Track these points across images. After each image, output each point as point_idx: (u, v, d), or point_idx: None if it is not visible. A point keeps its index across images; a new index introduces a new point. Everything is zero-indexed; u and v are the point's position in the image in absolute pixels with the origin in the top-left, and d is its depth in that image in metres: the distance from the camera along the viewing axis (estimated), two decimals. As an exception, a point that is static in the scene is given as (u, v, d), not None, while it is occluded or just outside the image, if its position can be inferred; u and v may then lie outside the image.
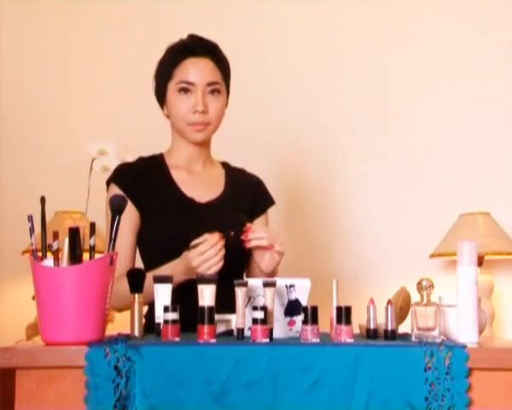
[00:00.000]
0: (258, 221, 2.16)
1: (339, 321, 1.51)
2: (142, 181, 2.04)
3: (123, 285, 1.75)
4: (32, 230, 1.53)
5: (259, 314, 1.49)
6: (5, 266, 3.32)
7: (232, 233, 1.83)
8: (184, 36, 2.09)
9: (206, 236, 1.80)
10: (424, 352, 1.41)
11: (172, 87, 2.03)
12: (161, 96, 2.08)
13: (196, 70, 2.02)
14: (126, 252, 1.99)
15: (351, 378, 1.41)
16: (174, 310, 1.54)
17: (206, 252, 1.78)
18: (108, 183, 2.03)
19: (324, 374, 1.41)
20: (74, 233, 1.51)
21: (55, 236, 1.51)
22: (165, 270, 1.86)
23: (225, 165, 2.19)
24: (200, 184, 2.08)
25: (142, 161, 2.07)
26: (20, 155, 3.43)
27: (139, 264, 2.03)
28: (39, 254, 1.53)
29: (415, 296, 1.59)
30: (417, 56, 3.29)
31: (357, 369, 1.41)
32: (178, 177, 2.08)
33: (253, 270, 2.04)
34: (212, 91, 2.03)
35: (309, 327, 1.50)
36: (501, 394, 1.42)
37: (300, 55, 3.37)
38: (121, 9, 3.46)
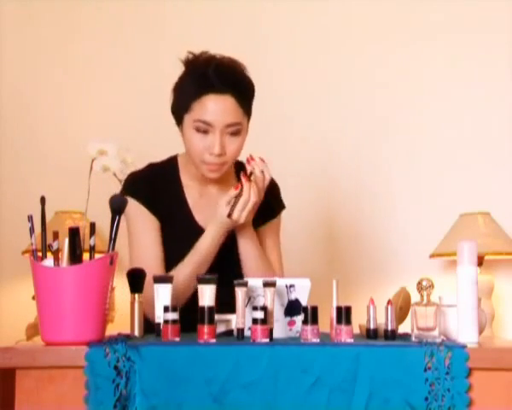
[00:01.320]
0: (268, 226, 2.10)
1: (339, 321, 1.51)
2: (158, 196, 1.97)
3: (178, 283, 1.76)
4: (31, 230, 1.53)
5: (259, 314, 1.49)
6: (5, 266, 3.32)
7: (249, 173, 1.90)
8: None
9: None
10: (424, 352, 1.41)
11: (189, 121, 1.91)
12: (177, 120, 1.97)
13: (216, 109, 1.88)
14: (157, 261, 1.94)
15: (351, 378, 1.41)
16: (174, 310, 1.54)
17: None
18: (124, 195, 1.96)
19: (324, 374, 1.41)
20: (74, 233, 1.51)
21: (55, 236, 1.51)
22: (203, 244, 1.90)
23: (238, 166, 2.05)
24: (212, 208, 1.96)
25: (154, 172, 2.01)
26: (20, 155, 3.43)
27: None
28: (39, 254, 1.53)
29: (415, 296, 1.59)
30: (418, 57, 3.29)
31: (357, 369, 1.41)
32: (191, 198, 2.02)
33: (242, 253, 1.98)
34: (231, 133, 1.91)
35: (309, 327, 1.50)
36: (501, 394, 1.42)
37: (301, 55, 3.36)
38: (121, 11, 3.46)
